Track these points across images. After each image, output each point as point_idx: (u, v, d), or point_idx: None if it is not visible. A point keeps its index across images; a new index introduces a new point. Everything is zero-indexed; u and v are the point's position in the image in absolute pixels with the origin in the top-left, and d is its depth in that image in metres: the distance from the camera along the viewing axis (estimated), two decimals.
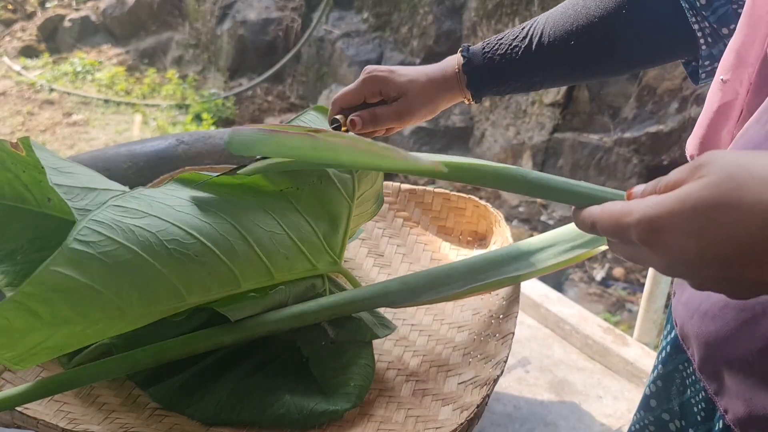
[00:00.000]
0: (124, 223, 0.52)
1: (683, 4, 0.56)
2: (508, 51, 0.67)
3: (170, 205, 0.56)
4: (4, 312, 0.47)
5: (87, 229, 0.50)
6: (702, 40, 0.56)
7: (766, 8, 0.44)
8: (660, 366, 0.56)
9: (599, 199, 0.43)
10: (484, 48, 0.69)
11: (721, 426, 0.47)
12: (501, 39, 0.68)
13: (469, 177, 0.53)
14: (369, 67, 0.69)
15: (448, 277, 0.66)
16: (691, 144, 0.52)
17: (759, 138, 0.43)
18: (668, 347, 0.55)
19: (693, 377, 0.52)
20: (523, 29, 0.67)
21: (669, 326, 0.55)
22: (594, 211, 0.39)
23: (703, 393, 0.50)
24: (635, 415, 0.59)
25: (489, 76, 0.68)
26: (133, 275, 0.51)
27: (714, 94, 0.50)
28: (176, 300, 0.54)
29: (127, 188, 0.68)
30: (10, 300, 0.47)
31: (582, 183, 0.48)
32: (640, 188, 0.38)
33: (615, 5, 0.62)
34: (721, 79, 0.49)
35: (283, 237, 0.61)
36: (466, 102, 0.71)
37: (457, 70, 0.69)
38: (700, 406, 0.51)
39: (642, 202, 0.35)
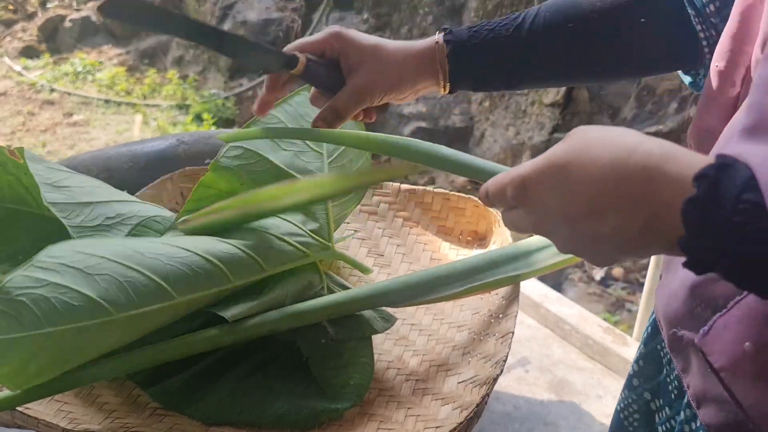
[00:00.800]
0: (88, 251, 0.54)
1: (689, 11, 0.54)
2: (497, 27, 0.60)
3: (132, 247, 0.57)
4: None
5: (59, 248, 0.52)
6: (707, 49, 0.54)
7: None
8: (642, 346, 0.57)
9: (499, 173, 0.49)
10: (470, 26, 0.61)
11: (685, 401, 0.47)
12: (491, 21, 0.61)
13: (378, 148, 0.58)
14: (336, 26, 0.63)
15: (448, 277, 0.66)
16: (691, 132, 0.53)
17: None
18: (649, 328, 0.56)
19: (668, 357, 0.52)
20: (515, 13, 0.62)
21: (653, 309, 0.56)
22: (488, 181, 0.44)
23: (676, 372, 0.50)
24: (621, 393, 0.60)
25: (473, 53, 0.60)
26: (110, 276, 0.52)
27: (710, 82, 0.49)
28: (166, 298, 0.54)
29: (125, 193, 0.68)
30: None
31: (490, 162, 0.53)
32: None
33: (620, 1, 0.58)
34: (716, 67, 0.49)
35: (264, 236, 0.63)
36: (441, 90, 0.62)
37: (436, 42, 0.60)
38: (674, 384, 0.52)
39: (519, 166, 0.41)
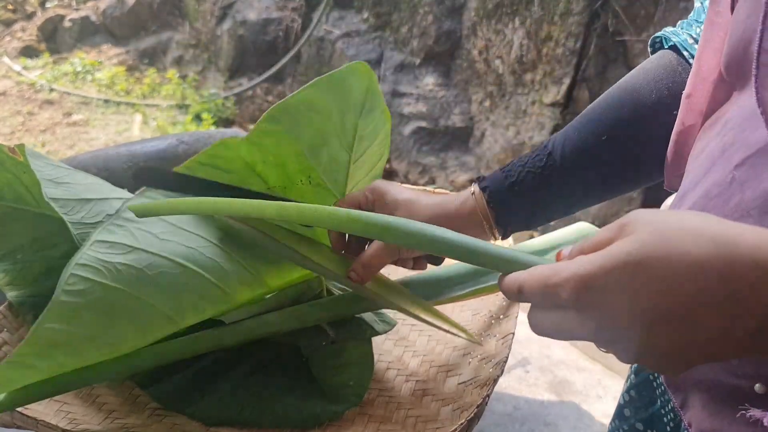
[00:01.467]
0: (109, 262, 0.52)
1: None
2: (529, 161, 0.57)
3: (154, 233, 0.56)
4: (2, 372, 0.49)
5: (74, 276, 0.50)
6: None
7: (725, 25, 0.44)
8: (633, 376, 0.56)
9: (526, 265, 0.40)
10: (502, 168, 0.59)
11: None
12: (520, 157, 0.59)
13: (360, 228, 0.49)
14: (377, 181, 0.61)
15: (450, 279, 0.66)
16: (670, 153, 0.52)
17: (716, 152, 0.42)
18: None
19: (662, 388, 0.52)
20: (541, 145, 0.59)
21: None
22: (521, 275, 0.38)
23: (671, 404, 0.50)
24: (611, 423, 0.59)
25: (513, 193, 0.57)
26: (126, 314, 0.52)
27: (680, 111, 0.49)
28: (170, 326, 0.55)
29: (125, 191, 0.68)
30: (6, 362, 0.49)
31: (509, 249, 0.44)
32: (567, 250, 0.37)
33: (648, 110, 0.55)
34: (686, 95, 0.48)
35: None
36: (492, 238, 0.59)
37: (472, 193, 0.58)
38: (669, 417, 0.51)
39: (571, 262, 0.34)
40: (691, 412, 0.43)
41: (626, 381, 0.58)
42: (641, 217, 0.34)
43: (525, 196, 0.57)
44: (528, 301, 0.38)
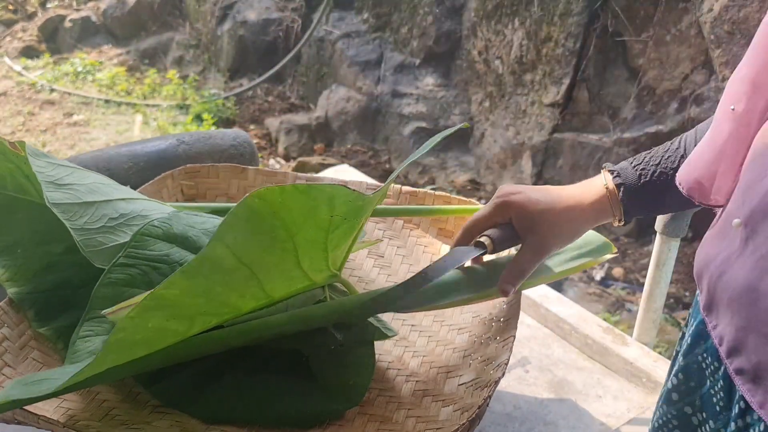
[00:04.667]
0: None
1: None
2: (662, 161, 0.61)
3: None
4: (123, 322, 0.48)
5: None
6: None
7: None
8: (681, 358, 0.55)
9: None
10: (633, 164, 0.63)
11: (735, 413, 0.46)
12: (650, 153, 0.63)
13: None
14: (503, 189, 0.65)
15: (455, 283, 0.66)
16: (689, 177, 0.51)
17: None
18: (689, 339, 0.54)
19: (712, 368, 0.51)
20: (673, 141, 0.62)
21: (691, 319, 0.55)
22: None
23: (722, 383, 0.49)
24: (658, 409, 0.58)
25: (645, 193, 0.61)
26: None
27: (720, 127, 0.47)
28: (178, 337, 0.55)
29: (128, 189, 0.68)
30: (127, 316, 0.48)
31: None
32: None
33: None
34: (732, 110, 0.46)
35: (290, 258, 0.57)
36: (615, 224, 0.65)
37: (606, 188, 0.63)
38: (719, 396, 0.50)
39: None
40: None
41: (673, 364, 0.57)
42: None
43: (655, 194, 0.61)
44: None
